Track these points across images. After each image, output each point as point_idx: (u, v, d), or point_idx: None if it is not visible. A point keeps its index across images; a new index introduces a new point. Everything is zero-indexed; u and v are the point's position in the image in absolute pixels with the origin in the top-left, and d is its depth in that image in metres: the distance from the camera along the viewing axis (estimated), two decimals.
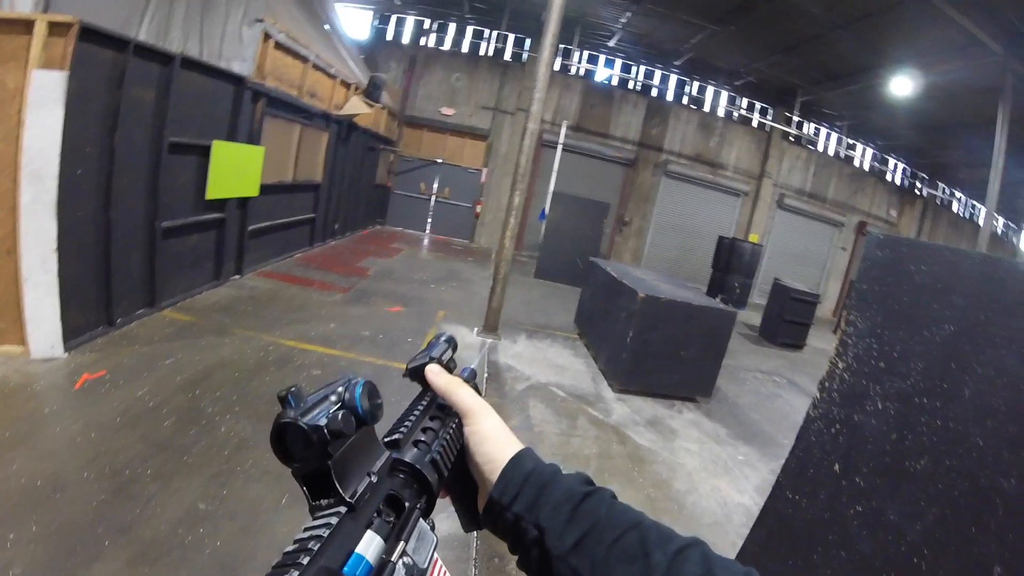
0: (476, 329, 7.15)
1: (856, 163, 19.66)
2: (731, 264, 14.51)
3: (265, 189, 7.75)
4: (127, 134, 4.82)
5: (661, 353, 6.22)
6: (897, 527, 1.65)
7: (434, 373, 0.69)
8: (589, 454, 4.62)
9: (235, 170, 6.84)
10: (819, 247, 19.17)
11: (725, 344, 6.57)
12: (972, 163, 16.68)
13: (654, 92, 17.58)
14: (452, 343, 0.77)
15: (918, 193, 20.75)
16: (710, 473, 4.75)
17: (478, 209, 16.46)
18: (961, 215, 22.27)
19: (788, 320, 11.17)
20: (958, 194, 22.11)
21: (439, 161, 16.44)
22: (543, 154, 16.20)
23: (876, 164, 20.03)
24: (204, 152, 6.20)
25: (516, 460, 0.63)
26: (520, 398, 5.41)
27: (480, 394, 0.71)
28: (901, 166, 20.48)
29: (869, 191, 19.60)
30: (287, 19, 8.33)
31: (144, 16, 6.24)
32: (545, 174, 15.34)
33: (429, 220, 16.63)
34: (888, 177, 20.35)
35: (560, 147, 14.86)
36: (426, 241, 15.52)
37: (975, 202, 21.78)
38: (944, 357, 1.69)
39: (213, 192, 6.44)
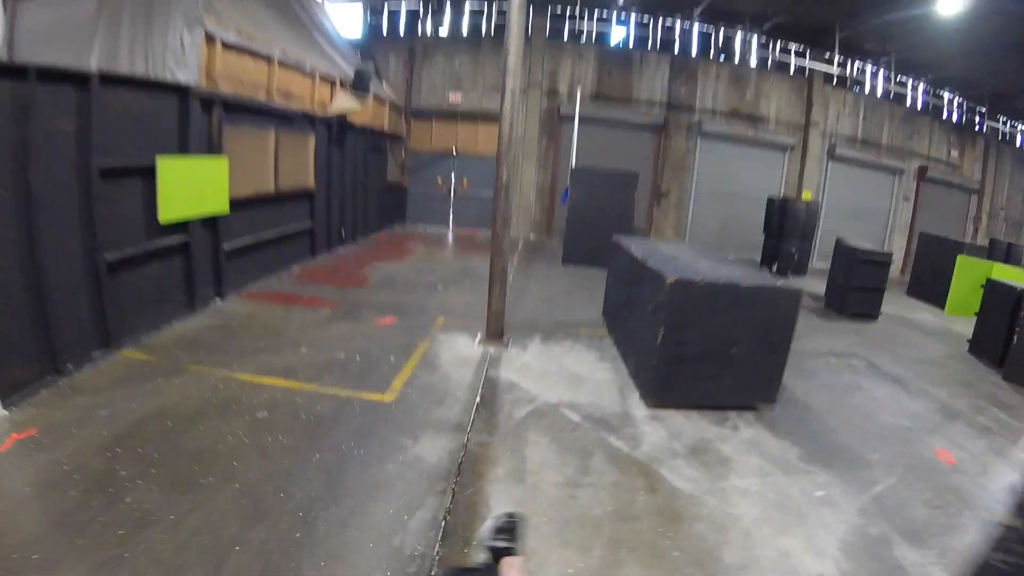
0: (479, 337, 6.12)
1: (908, 102, 17.64)
2: (784, 228, 13.11)
3: (239, 204, 6.99)
4: (44, 169, 4.28)
5: (704, 353, 4.89)
6: None
7: None
8: (601, 514, 3.35)
9: (192, 187, 6.09)
10: (879, 199, 17.37)
11: (790, 333, 5.09)
12: None
13: (676, 48, 15.95)
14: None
15: (978, 129, 18.62)
16: (776, 527, 3.39)
17: None
18: None
19: (858, 287, 9.56)
20: (1021, 126, 19.72)
21: (453, 152, 15.48)
22: (563, 130, 15.00)
23: (930, 101, 17.97)
24: (150, 174, 5.47)
25: None
26: (516, 431, 4.24)
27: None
28: (957, 100, 18.38)
29: (926, 132, 17.68)
30: (240, 18, 7.47)
31: (94, 44, 5.93)
32: (568, 151, 14.12)
33: (451, 215, 15.77)
34: (944, 115, 18.24)
35: (576, 119, 13.57)
36: (449, 237, 14.67)
37: None
38: None
39: (166, 214, 5.69)
